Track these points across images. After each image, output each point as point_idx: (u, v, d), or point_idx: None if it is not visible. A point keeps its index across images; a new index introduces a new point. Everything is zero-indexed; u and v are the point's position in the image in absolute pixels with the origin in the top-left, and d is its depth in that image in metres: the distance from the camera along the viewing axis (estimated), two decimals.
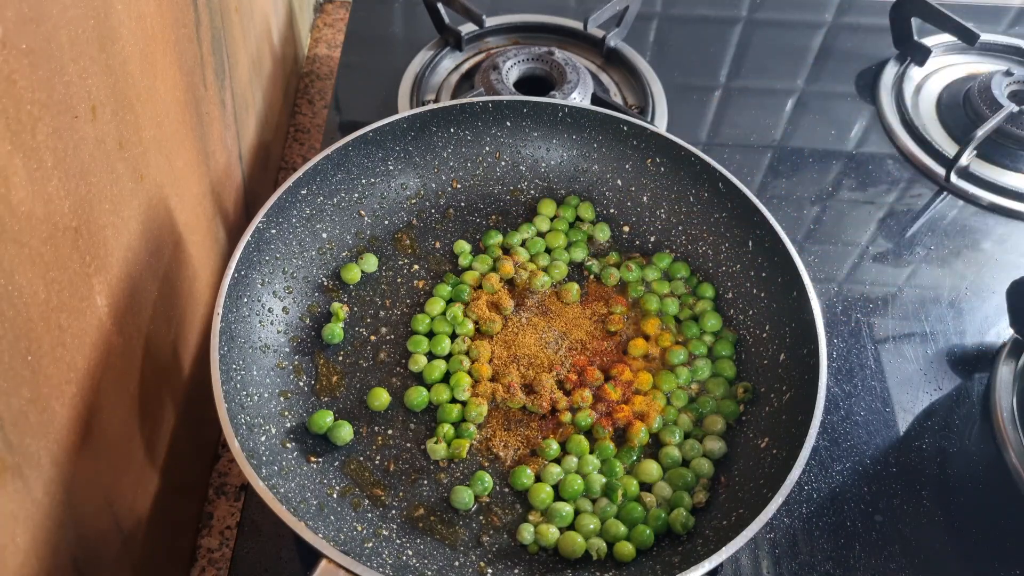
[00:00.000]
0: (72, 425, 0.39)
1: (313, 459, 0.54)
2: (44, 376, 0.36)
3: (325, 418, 0.55)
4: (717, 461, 0.56)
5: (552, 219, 0.69)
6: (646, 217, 0.68)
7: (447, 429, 0.57)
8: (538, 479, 0.55)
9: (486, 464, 0.56)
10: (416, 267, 0.66)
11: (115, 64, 0.41)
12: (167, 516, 0.53)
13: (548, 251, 0.67)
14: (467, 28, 0.87)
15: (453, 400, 0.58)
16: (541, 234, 0.68)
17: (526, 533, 0.52)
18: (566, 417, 0.57)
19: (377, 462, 0.56)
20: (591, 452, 0.56)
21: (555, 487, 0.55)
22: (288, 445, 0.53)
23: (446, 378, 0.59)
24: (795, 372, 0.55)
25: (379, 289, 0.64)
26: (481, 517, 0.54)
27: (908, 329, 0.70)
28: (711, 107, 0.87)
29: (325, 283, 0.63)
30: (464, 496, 0.53)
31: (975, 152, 0.82)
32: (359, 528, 0.51)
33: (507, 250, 0.67)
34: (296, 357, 0.58)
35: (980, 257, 0.75)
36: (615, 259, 0.66)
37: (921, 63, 0.91)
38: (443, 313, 0.62)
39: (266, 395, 0.55)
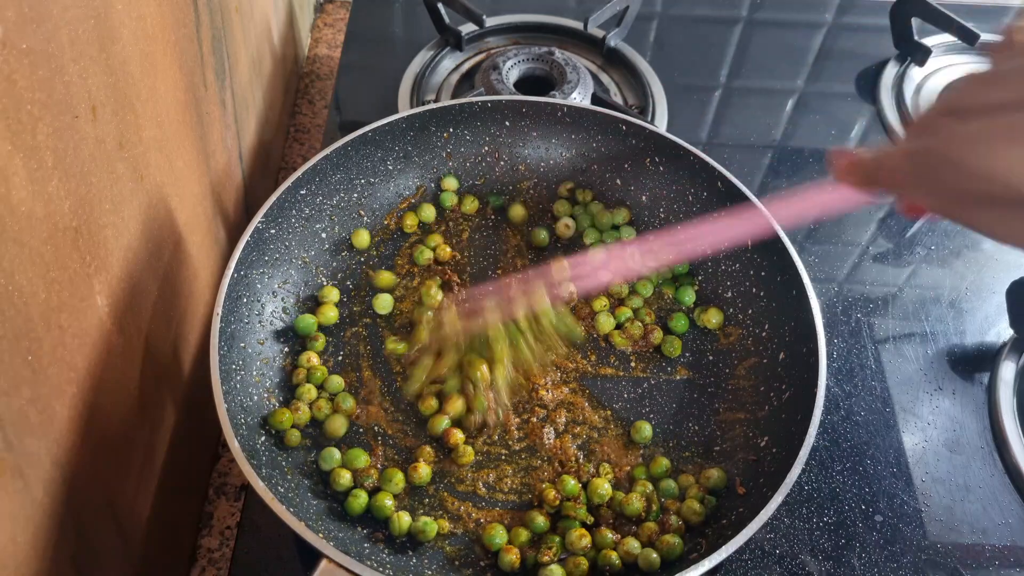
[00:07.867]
0: (72, 425, 0.39)
1: (313, 459, 0.54)
2: (44, 376, 0.36)
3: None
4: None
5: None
6: (645, 216, 0.68)
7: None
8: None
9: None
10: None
11: (115, 64, 0.41)
12: (167, 516, 0.53)
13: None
14: (467, 28, 0.86)
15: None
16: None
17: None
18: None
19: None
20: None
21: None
22: (288, 445, 0.53)
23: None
24: (795, 371, 0.55)
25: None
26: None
27: (908, 329, 0.69)
28: (711, 107, 0.87)
29: (325, 283, 0.63)
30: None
31: None
32: (359, 528, 0.51)
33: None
34: (297, 357, 0.58)
35: (980, 257, 0.75)
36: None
37: (921, 63, 0.91)
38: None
39: (266, 395, 0.55)
